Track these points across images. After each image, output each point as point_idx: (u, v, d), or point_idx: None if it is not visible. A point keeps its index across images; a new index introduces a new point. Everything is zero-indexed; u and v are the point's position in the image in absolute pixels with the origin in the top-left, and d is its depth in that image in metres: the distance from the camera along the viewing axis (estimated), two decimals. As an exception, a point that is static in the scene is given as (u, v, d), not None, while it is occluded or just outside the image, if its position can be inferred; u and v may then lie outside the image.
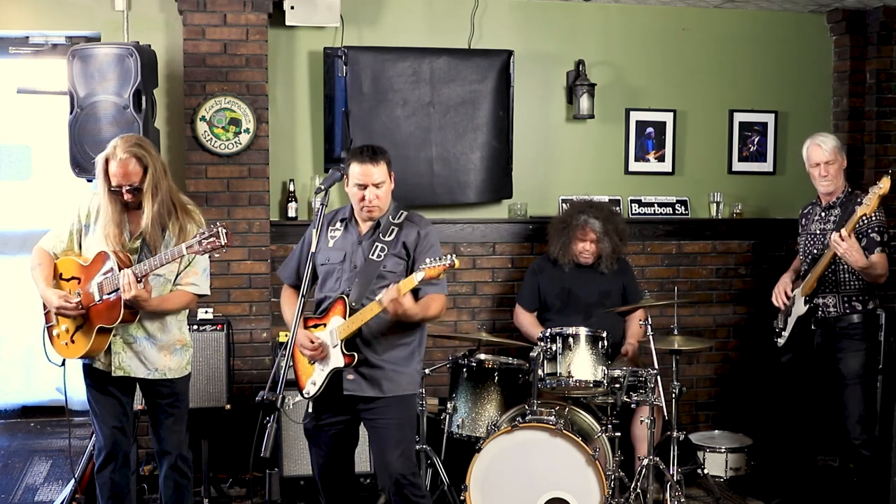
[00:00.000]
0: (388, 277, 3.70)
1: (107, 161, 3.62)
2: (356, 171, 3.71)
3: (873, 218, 4.35)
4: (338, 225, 3.87)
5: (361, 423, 3.87)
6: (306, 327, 3.83)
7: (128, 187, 3.62)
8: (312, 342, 3.72)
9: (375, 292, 3.66)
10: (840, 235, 4.23)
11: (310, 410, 3.87)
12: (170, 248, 3.61)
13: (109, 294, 3.61)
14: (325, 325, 3.76)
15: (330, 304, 3.76)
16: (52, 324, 3.80)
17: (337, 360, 3.69)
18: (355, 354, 3.67)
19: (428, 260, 3.50)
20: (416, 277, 3.49)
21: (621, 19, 5.72)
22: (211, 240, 3.48)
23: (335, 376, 3.72)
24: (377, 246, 3.74)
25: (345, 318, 3.68)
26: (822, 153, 4.53)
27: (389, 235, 3.77)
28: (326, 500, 3.96)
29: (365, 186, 3.71)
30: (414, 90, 5.34)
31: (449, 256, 3.48)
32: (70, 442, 4.48)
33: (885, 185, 4.13)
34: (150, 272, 3.60)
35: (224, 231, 3.49)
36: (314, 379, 3.78)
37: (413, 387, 3.81)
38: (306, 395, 3.81)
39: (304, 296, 3.54)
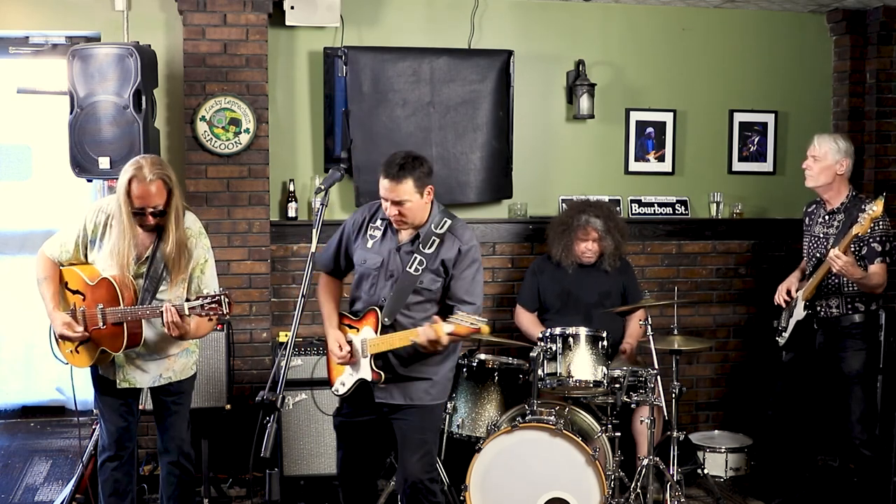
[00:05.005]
0: (424, 294, 3.66)
1: (129, 182, 3.57)
2: (381, 181, 3.61)
3: (876, 227, 4.35)
4: (378, 224, 3.76)
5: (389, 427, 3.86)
6: (341, 325, 3.80)
7: (152, 210, 3.59)
8: (341, 348, 3.70)
9: (410, 308, 3.65)
10: (835, 254, 4.24)
11: (338, 405, 3.88)
12: (173, 304, 3.59)
13: (114, 323, 3.61)
14: (357, 329, 3.74)
15: (364, 311, 3.73)
16: (54, 330, 3.80)
17: (366, 371, 3.68)
18: (382, 374, 3.65)
19: (461, 316, 3.45)
20: (445, 329, 3.43)
21: (621, 19, 5.72)
22: (213, 306, 3.51)
23: (363, 383, 3.72)
24: (416, 258, 3.65)
25: (376, 331, 3.66)
26: (812, 147, 4.58)
27: (430, 247, 3.66)
28: (345, 499, 3.94)
29: (386, 200, 3.62)
30: (414, 90, 5.34)
31: (478, 321, 3.42)
32: (78, 441, 4.47)
33: (878, 208, 4.16)
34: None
35: (227, 301, 3.50)
36: (343, 380, 3.78)
37: (442, 395, 3.80)
38: (335, 393, 3.82)
39: (305, 295, 3.51)
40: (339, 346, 3.71)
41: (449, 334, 3.45)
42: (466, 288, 3.68)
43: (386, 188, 3.59)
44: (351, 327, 3.78)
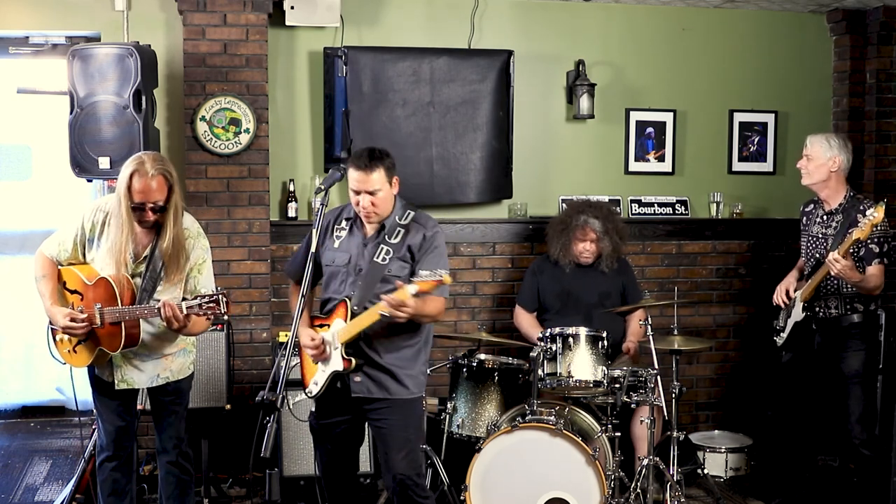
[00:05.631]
0: (393, 282, 3.67)
1: (131, 176, 3.57)
2: (352, 175, 3.69)
3: (875, 229, 4.34)
4: (343, 224, 3.84)
5: (366, 423, 3.88)
6: (312, 326, 3.83)
7: (152, 205, 3.58)
8: (313, 340, 3.72)
9: (379, 297, 3.65)
10: (834, 258, 4.25)
11: (313, 409, 3.88)
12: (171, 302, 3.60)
13: (112, 323, 3.60)
14: (328, 325, 3.76)
15: (334, 306, 3.76)
16: (55, 327, 3.79)
17: (336, 363, 3.69)
18: (352, 360, 3.66)
19: (423, 273, 3.49)
20: (410, 290, 3.44)
21: (621, 19, 5.72)
22: (211, 305, 3.51)
23: (339, 378, 3.72)
24: (382, 248, 3.71)
25: (346, 322, 3.68)
26: (805, 147, 4.62)
27: (395, 237, 3.73)
28: (330, 499, 3.96)
29: (359, 192, 3.69)
30: (414, 90, 5.34)
31: (440, 272, 3.45)
32: (81, 440, 4.47)
33: (878, 214, 4.15)
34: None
35: (225, 301, 3.50)
36: (316, 379, 3.78)
37: (419, 389, 3.81)
38: (308, 395, 3.82)
39: (305, 296, 3.53)
40: (311, 338, 3.73)
41: (414, 295, 3.44)
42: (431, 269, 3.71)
43: (359, 180, 3.67)
44: (322, 326, 3.80)
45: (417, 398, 3.82)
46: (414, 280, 3.48)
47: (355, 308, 3.66)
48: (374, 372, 3.70)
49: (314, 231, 3.65)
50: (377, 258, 3.70)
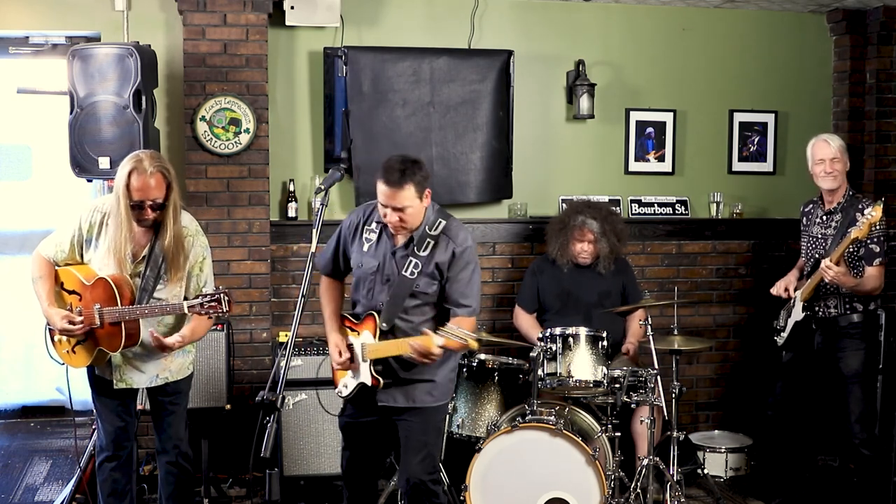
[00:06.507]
0: (421, 298, 3.64)
1: (129, 174, 3.56)
2: (380, 188, 3.56)
3: (874, 228, 4.34)
4: (374, 226, 3.73)
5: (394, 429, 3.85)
6: (343, 326, 3.80)
7: (151, 203, 3.58)
8: (341, 354, 3.70)
9: (408, 312, 3.64)
10: (826, 265, 4.25)
11: (343, 406, 3.88)
12: (171, 303, 3.63)
13: (111, 323, 3.60)
14: (358, 332, 3.74)
15: (363, 315, 3.73)
16: (53, 328, 3.79)
17: (365, 376, 3.68)
18: (381, 379, 3.63)
19: (453, 329, 3.39)
20: (436, 341, 3.38)
21: (621, 19, 5.72)
22: (213, 304, 3.51)
23: (365, 386, 3.70)
24: (411, 261, 3.62)
25: (375, 336, 3.65)
26: (829, 149, 4.55)
27: (424, 250, 3.62)
28: (349, 499, 3.93)
29: (386, 206, 3.58)
30: (414, 90, 5.34)
31: (467, 334, 3.37)
32: (75, 442, 4.46)
33: (876, 213, 4.16)
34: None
35: (227, 299, 3.51)
36: (346, 382, 3.78)
37: (444, 396, 3.78)
38: (339, 395, 3.82)
39: (305, 295, 3.51)
40: (339, 352, 3.72)
41: (440, 346, 3.42)
42: (462, 290, 3.65)
43: (387, 195, 3.54)
44: (353, 330, 3.78)
45: (442, 405, 3.81)
46: (441, 333, 3.39)
47: (383, 325, 3.63)
48: (401, 383, 3.68)
49: (314, 231, 3.60)
50: (405, 271, 3.62)
